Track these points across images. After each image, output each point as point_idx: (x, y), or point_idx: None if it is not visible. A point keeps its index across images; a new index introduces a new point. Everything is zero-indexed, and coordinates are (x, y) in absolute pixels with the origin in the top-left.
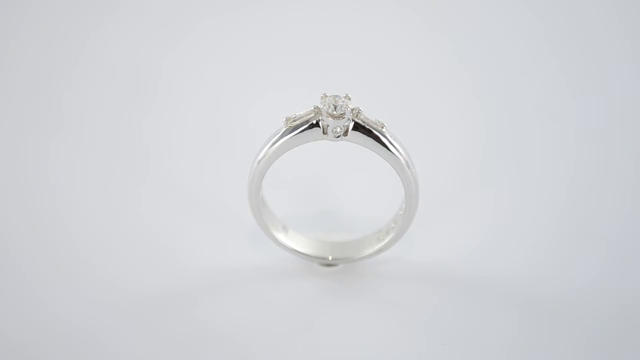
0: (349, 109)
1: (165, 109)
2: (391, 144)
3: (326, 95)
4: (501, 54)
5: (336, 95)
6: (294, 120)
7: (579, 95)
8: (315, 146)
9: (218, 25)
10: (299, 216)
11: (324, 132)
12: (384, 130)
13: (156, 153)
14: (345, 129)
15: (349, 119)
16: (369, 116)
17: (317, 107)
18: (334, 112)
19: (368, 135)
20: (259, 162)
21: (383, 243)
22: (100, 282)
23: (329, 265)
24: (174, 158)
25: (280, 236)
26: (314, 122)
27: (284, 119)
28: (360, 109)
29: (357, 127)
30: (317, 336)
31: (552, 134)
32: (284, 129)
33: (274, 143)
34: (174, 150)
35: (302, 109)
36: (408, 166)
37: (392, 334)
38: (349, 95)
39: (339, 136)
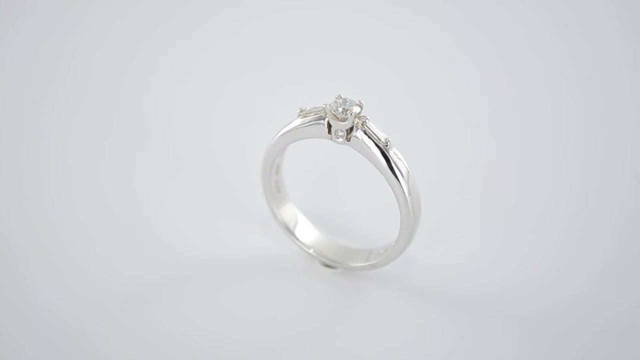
0: (352, 114)
1: (169, 86)
2: (392, 161)
3: (340, 97)
4: (514, 67)
5: (347, 99)
6: (306, 114)
7: (589, 110)
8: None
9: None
10: (313, 213)
11: (329, 132)
12: (387, 146)
13: (157, 142)
14: (348, 134)
15: (352, 124)
16: (375, 128)
17: (327, 105)
18: (337, 114)
19: (368, 147)
20: (270, 146)
21: (374, 261)
22: (93, 277)
23: (328, 266)
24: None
25: (284, 214)
26: (322, 119)
27: (299, 110)
28: (368, 118)
29: (360, 135)
30: (301, 334)
31: (553, 154)
32: (295, 119)
33: (284, 131)
34: (177, 142)
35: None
36: (408, 192)
37: (377, 346)
38: (361, 103)
39: (340, 139)
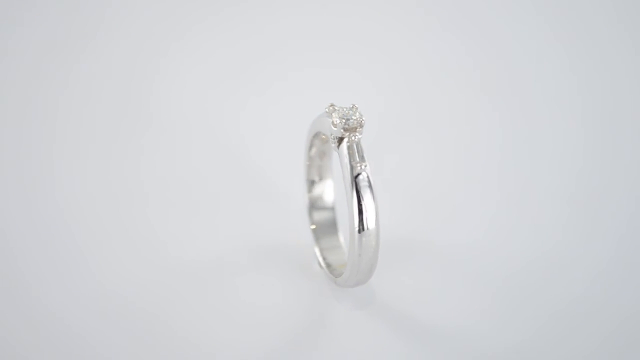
0: (343, 122)
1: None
2: (358, 186)
3: (354, 106)
4: (519, 64)
5: (353, 110)
6: (332, 110)
7: (589, 101)
8: None
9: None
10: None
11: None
12: (358, 167)
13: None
14: (338, 141)
15: (341, 135)
16: (360, 149)
17: (334, 106)
18: (333, 119)
19: (344, 160)
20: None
21: (335, 276)
22: (93, 281)
23: (320, 266)
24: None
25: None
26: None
27: (329, 104)
28: (359, 136)
29: (344, 148)
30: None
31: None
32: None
33: (313, 119)
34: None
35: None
36: (364, 226)
37: None
38: (363, 121)
39: (334, 143)
